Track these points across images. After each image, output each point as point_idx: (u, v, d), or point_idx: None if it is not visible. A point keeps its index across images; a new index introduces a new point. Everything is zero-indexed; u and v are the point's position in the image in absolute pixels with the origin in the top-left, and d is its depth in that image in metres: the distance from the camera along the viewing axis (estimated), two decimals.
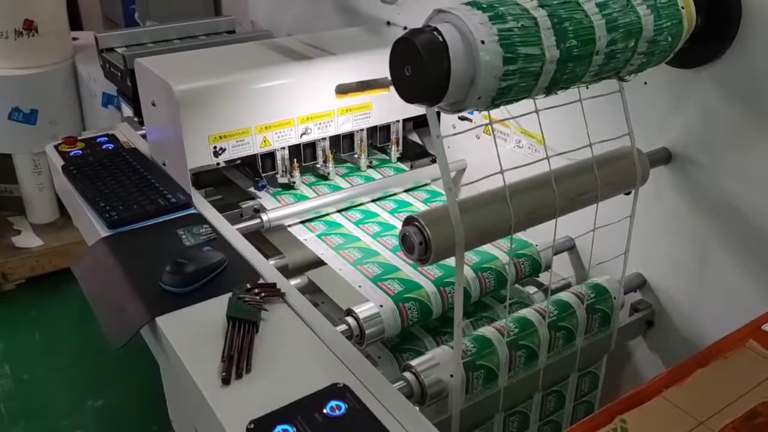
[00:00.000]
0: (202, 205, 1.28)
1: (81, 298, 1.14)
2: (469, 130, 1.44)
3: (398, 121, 1.53)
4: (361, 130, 1.48)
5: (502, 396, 1.03)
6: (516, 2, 0.76)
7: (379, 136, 1.54)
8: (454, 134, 1.35)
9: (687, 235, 1.13)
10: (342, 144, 1.50)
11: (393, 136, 1.55)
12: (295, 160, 1.43)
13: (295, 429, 0.77)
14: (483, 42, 0.72)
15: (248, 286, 1.01)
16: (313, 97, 1.37)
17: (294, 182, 1.43)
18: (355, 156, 1.52)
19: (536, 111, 0.88)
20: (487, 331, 1.03)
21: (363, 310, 1.07)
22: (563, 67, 0.78)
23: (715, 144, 1.06)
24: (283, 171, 1.42)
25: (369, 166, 1.53)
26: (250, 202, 1.39)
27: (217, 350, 0.90)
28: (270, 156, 1.41)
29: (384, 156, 1.58)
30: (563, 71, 0.79)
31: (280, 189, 1.44)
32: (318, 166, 1.48)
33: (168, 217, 1.24)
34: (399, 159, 1.56)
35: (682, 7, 0.89)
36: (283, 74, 1.34)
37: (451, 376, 0.95)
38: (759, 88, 0.99)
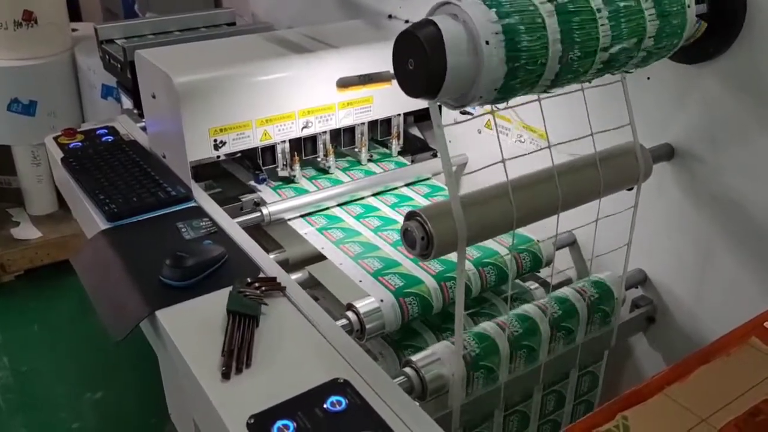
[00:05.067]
0: (202, 198, 1.27)
1: (80, 290, 1.13)
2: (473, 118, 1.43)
3: (399, 114, 1.53)
4: (363, 123, 1.48)
5: (503, 391, 1.03)
6: None
7: (380, 129, 1.54)
8: (458, 123, 1.34)
9: (689, 231, 1.13)
10: (343, 138, 1.50)
11: (394, 130, 1.54)
12: (295, 153, 1.42)
13: (295, 424, 0.77)
14: (487, 35, 0.71)
15: (248, 280, 1.01)
16: (313, 91, 1.36)
17: (294, 175, 1.43)
18: (356, 150, 1.52)
19: (539, 104, 0.87)
20: (489, 328, 1.03)
21: (363, 305, 1.06)
22: (567, 26, 0.77)
23: (718, 140, 1.06)
24: (283, 164, 1.42)
25: (370, 160, 1.52)
26: (251, 196, 1.39)
27: (217, 344, 0.89)
28: (270, 149, 1.40)
29: (385, 150, 1.57)
30: (569, 31, 0.77)
31: (280, 183, 1.43)
32: (319, 159, 1.47)
33: (168, 210, 1.23)
34: (400, 153, 1.56)
35: (688, 6, 0.89)
36: (283, 67, 1.34)
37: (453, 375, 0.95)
38: (763, 83, 0.98)
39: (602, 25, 0.79)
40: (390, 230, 1.30)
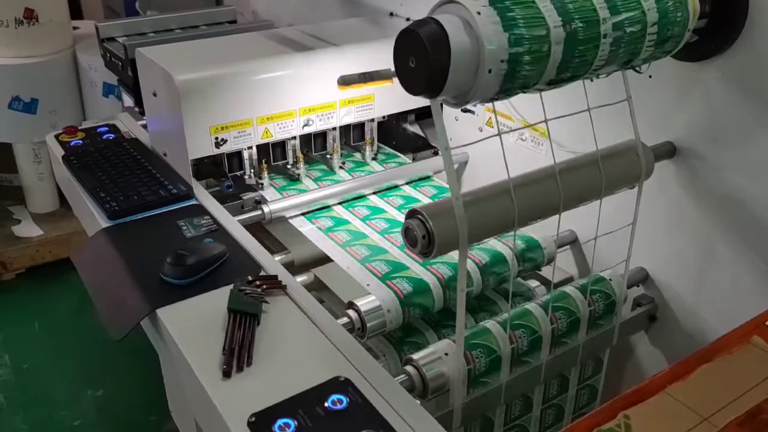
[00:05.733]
0: (203, 196, 1.27)
1: (81, 287, 1.13)
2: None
3: (372, 120, 1.50)
4: (334, 129, 1.44)
5: (504, 390, 1.03)
6: None
7: (353, 135, 1.51)
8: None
9: (691, 230, 1.13)
10: (314, 144, 1.46)
11: (367, 136, 1.52)
12: (263, 161, 1.39)
13: (296, 422, 0.77)
14: (485, 26, 0.71)
15: (249, 278, 1.01)
16: (315, 89, 1.36)
17: (262, 184, 1.39)
18: (328, 156, 1.48)
19: (541, 102, 0.87)
20: (499, 337, 1.01)
21: (364, 303, 1.06)
22: (571, 49, 0.77)
23: (720, 138, 1.06)
24: (251, 172, 1.39)
25: (341, 167, 1.49)
26: (251, 194, 1.39)
27: (217, 343, 0.89)
28: (237, 155, 1.37)
29: (357, 155, 1.55)
30: (572, 53, 0.77)
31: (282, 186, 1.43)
32: (288, 166, 1.44)
33: (169, 208, 1.23)
34: (374, 159, 1.53)
35: (689, 30, 0.89)
36: (285, 65, 1.34)
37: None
38: (765, 81, 0.98)
39: (602, 50, 0.79)
40: (397, 232, 1.29)
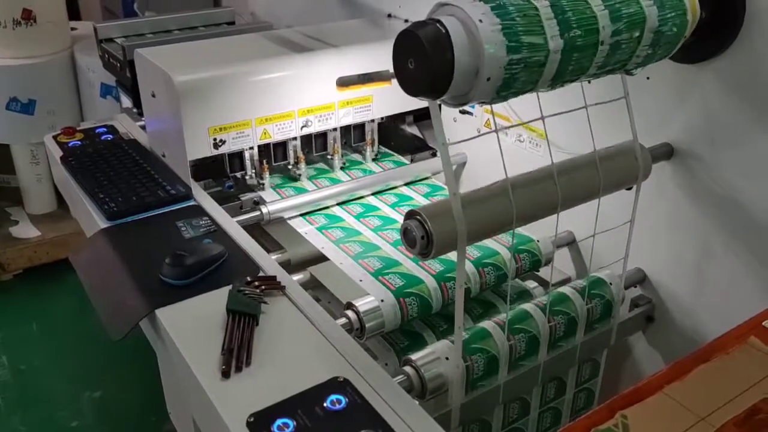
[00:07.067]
0: (201, 196, 1.27)
1: (79, 288, 1.13)
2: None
3: (373, 120, 1.50)
4: (335, 129, 1.44)
5: (502, 390, 1.03)
6: None
7: (353, 135, 1.51)
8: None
9: (688, 231, 1.13)
10: (315, 144, 1.46)
11: (368, 137, 1.52)
12: (264, 161, 1.39)
13: (295, 423, 0.77)
14: (486, 33, 0.71)
15: (248, 278, 1.01)
16: (313, 90, 1.36)
17: (263, 184, 1.40)
18: (328, 156, 1.49)
19: (538, 103, 0.88)
20: (498, 342, 1.02)
21: (363, 304, 1.06)
22: (567, 58, 0.77)
23: (718, 139, 1.06)
24: (252, 173, 1.39)
25: (342, 168, 1.49)
26: (250, 195, 1.39)
27: (216, 343, 0.89)
28: (238, 156, 1.37)
29: (356, 156, 1.55)
30: (567, 62, 0.78)
31: (279, 183, 1.43)
32: (289, 167, 1.44)
33: (167, 208, 1.23)
34: (374, 160, 1.53)
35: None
36: (283, 66, 1.34)
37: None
38: (762, 83, 0.98)
39: (600, 13, 0.79)
40: (390, 229, 1.30)
